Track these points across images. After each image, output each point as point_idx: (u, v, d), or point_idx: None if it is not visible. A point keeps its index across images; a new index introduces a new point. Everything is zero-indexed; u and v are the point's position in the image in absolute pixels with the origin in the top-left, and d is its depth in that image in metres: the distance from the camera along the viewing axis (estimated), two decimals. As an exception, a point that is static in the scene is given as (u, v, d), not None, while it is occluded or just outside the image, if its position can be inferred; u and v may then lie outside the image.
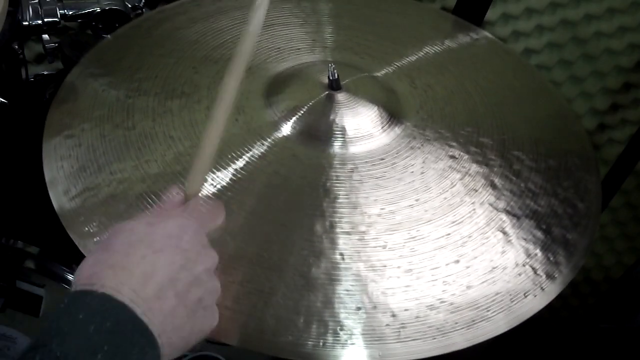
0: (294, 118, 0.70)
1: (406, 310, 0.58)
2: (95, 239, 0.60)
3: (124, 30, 0.84)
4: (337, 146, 0.69)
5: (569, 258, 0.65)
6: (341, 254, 0.60)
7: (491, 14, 1.18)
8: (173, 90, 0.73)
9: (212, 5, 0.86)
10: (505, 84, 0.84)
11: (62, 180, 0.65)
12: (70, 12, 0.85)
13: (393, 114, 0.72)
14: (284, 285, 0.58)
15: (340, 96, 0.71)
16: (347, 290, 0.58)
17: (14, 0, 0.78)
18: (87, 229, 0.61)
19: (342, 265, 0.60)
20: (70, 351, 0.42)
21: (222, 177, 0.64)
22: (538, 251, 0.64)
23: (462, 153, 0.70)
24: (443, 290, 0.60)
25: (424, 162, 0.69)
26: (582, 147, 0.78)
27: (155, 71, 0.76)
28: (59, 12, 0.84)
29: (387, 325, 0.57)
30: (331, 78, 0.71)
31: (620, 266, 1.50)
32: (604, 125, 1.33)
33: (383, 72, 0.79)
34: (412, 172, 0.67)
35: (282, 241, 0.61)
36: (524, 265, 0.63)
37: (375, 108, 0.72)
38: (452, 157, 0.70)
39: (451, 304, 0.59)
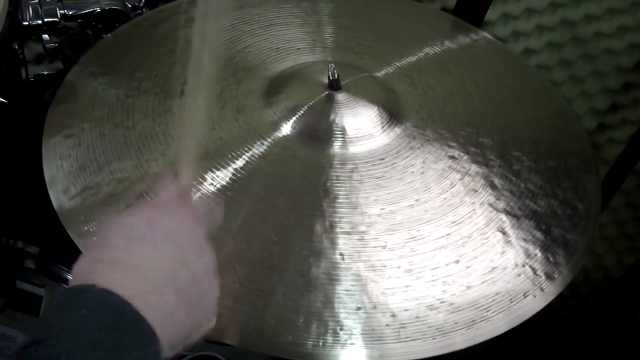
0: (294, 118, 0.70)
1: (406, 310, 0.58)
2: (94, 238, 0.60)
3: (123, 29, 0.84)
4: (337, 146, 0.69)
5: (569, 258, 0.65)
6: (341, 254, 0.60)
7: (491, 14, 1.18)
8: (173, 90, 0.73)
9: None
10: (505, 84, 0.84)
11: (61, 179, 0.65)
12: (70, 12, 0.85)
13: (393, 114, 0.72)
14: (284, 285, 0.58)
15: (340, 96, 0.71)
16: (347, 290, 0.58)
17: (14, 0, 0.78)
18: (86, 228, 0.61)
19: (342, 265, 0.60)
20: (71, 347, 0.42)
21: (222, 177, 0.64)
22: (538, 251, 0.64)
23: (462, 153, 0.70)
24: (443, 291, 0.59)
25: (424, 162, 0.69)
26: (582, 147, 0.78)
27: (155, 70, 0.76)
28: (59, 12, 0.84)
29: (387, 325, 0.57)
30: (331, 78, 0.71)
31: (620, 266, 1.50)
32: (604, 125, 1.33)
33: (383, 72, 0.79)
34: (412, 172, 0.67)
35: (282, 241, 0.61)
36: (523, 266, 0.63)
37: (375, 108, 0.72)
38: (452, 157, 0.70)
39: (451, 304, 0.59)
